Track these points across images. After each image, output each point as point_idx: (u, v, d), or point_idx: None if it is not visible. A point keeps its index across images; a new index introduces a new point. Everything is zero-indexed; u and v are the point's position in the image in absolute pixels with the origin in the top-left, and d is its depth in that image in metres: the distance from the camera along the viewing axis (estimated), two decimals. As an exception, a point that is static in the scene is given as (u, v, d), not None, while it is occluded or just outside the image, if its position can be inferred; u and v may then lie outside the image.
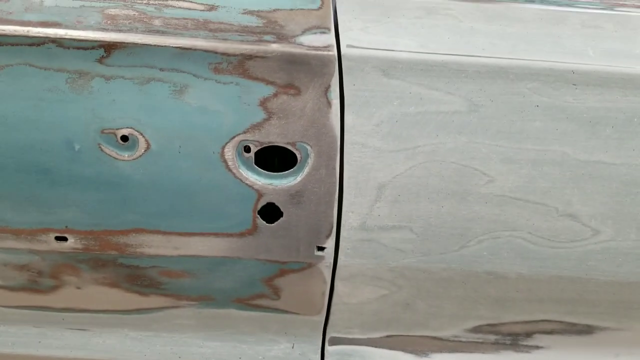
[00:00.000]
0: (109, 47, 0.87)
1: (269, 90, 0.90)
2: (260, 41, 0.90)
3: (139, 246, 0.95)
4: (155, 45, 0.88)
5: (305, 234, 0.94)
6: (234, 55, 0.88)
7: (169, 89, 0.89)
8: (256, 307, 1.02)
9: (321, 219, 0.94)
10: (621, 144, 0.93)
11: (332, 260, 0.96)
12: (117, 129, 0.90)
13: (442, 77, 0.91)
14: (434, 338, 1.06)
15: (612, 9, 1.04)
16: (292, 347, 1.06)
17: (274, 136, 0.91)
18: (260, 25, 0.92)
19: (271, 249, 0.95)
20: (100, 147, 0.90)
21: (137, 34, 0.88)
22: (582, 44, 0.95)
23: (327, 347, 1.06)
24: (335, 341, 1.06)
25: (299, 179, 0.93)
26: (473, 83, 0.91)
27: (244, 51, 0.88)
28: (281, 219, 0.94)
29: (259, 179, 0.93)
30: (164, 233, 0.94)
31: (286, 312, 1.03)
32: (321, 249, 0.95)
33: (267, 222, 0.94)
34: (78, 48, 0.87)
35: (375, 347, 1.07)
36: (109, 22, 0.89)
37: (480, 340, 1.06)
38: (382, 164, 0.92)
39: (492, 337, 1.06)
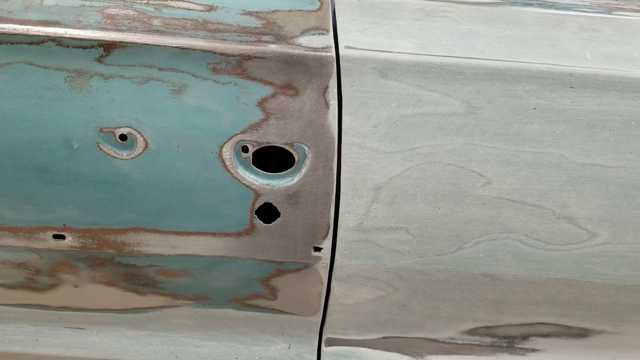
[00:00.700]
0: (108, 46, 0.88)
1: (267, 90, 0.90)
2: (259, 42, 0.90)
3: (136, 245, 0.95)
4: (154, 44, 0.88)
5: (302, 234, 0.95)
6: (233, 55, 0.89)
7: (167, 89, 0.89)
8: (253, 307, 1.02)
9: (318, 220, 0.94)
10: (618, 147, 0.93)
11: (328, 261, 0.96)
12: (116, 128, 0.90)
13: (439, 79, 0.91)
14: (430, 340, 1.06)
15: (610, 13, 1.04)
16: (289, 348, 1.06)
17: (272, 136, 0.91)
18: (259, 26, 0.92)
19: (268, 249, 0.95)
20: (98, 145, 0.90)
21: (136, 34, 0.88)
22: (580, 47, 0.95)
23: (324, 348, 1.06)
24: (332, 342, 1.06)
25: (296, 179, 0.93)
26: (471, 85, 0.92)
27: (243, 51, 0.89)
28: (278, 219, 0.94)
29: (256, 179, 0.93)
30: (162, 232, 0.94)
31: (283, 312, 1.03)
32: (318, 249, 0.96)
33: (265, 222, 0.94)
34: (77, 47, 0.88)
35: (372, 348, 1.07)
36: (108, 21, 0.90)
37: (477, 343, 1.06)
38: (380, 165, 0.93)
39: (488, 340, 1.06)
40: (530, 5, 1.02)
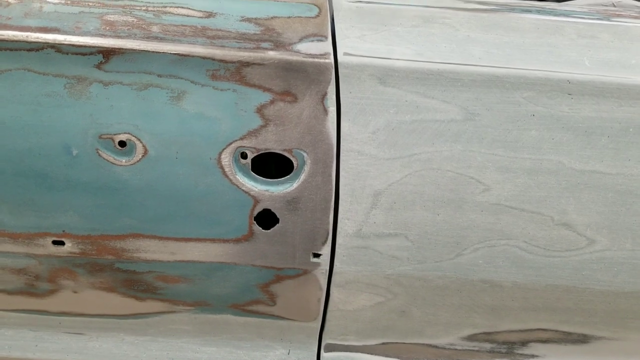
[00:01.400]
0: (107, 53, 0.88)
1: (266, 97, 0.90)
2: (258, 48, 0.90)
3: (135, 251, 0.95)
4: (153, 51, 0.88)
5: (301, 240, 0.95)
6: (232, 62, 0.89)
7: (166, 95, 0.90)
8: (252, 312, 1.02)
9: (317, 226, 0.94)
10: (617, 153, 0.93)
11: (327, 267, 0.97)
12: (115, 134, 0.90)
13: (438, 86, 0.92)
14: (430, 346, 1.06)
15: (608, 20, 1.04)
16: (288, 353, 1.06)
17: (271, 143, 0.92)
18: (258, 32, 0.93)
19: (267, 255, 0.95)
20: (98, 152, 0.90)
21: (135, 40, 0.88)
22: (578, 54, 0.96)
23: (323, 354, 1.06)
24: (331, 348, 1.06)
25: (295, 185, 0.93)
26: (469, 92, 0.92)
27: (242, 58, 0.89)
28: (277, 225, 0.94)
29: (255, 185, 0.93)
30: (161, 238, 0.94)
31: (282, 318, 1.03)
32: (317, 255, 0.96)
33: (263, 228, 0.94)
34: (77, 54, 0.88)
35: (371, 354, 1.07)
36: (107, 28, 0.90)
37: (476, 349, 1.06)
38: (378, 172, 0.93)
39: (487, 346, 1.06)
40: (529, 11, 1.02)
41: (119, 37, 0.89)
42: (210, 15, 0.94)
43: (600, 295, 0.99)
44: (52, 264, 0.97)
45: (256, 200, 0.93)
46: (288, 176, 0.93)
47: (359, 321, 1.03)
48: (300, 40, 0.92)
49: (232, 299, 1.01)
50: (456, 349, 1.06)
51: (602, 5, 1.13)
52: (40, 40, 0.87)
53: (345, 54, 0.92)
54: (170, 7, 0.94)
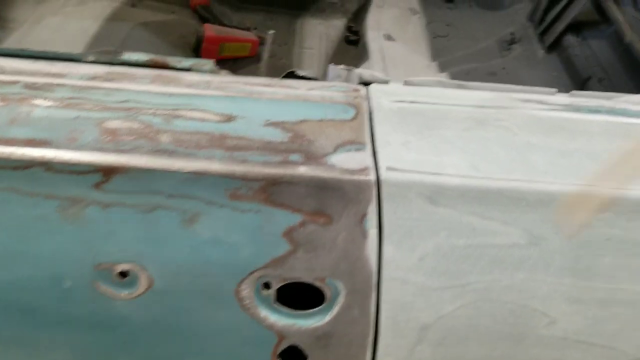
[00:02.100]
0: (107, 172, 0.74)
1: (294, 218, 0.76)
2: (286, 162, 0.76)
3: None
4: (162, 169, 0.74)
5: (333, 381, 0.81)
6: (256, 180, 0.75)
7: (177, 218, 0.76)
8: None
9: (353, 366, 0.80)
10: None
11: (364, 412, 0.82)
12: (115, 264, 0.76)
13: (498, 205, 0.78)
14: None
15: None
16: None
17: (300, 271, 0.78)
18: (286, 140, 0.79)
19: (294, 398, 0.81)
20: (94, 284, 0.76)
21: (141, 156, 0.75)
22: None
23: None
24: None
25: (327, 318, 0.79)
26: (534, 212, 0.78)
27: (267, 176, 0.75)
28: (305, 364, 0.80)
29: (279, 319, 0.79)
30: (168, 378, 0.80)
31: None
32: (352, 398, 0.81)
33: (289, 369, 0.80)
34: (71, 172, 0.74)
35: None
36: (108, 138, 0.76)
37: None
38: (426, 303, 0.79)
39: None
40: (597, 112, 0.88)
41: (121, 151, 0.75)
42: (229, 118, 0.80)
43: None
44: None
45: (281, 336, 0.79)
46: (319, 307, 0.79)
47: None
48: (336, 149, 0.79)
49: None
50: None
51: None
52: (27, 157, 0.73)
53: (389, 168, 0.78)
54: (183, 109, 0.80)
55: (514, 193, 0.78)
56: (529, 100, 0.88)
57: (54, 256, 0.75)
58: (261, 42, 1.88)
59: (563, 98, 0.91)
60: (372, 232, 0.78)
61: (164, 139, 0.77)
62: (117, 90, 0.81)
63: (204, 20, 1.93)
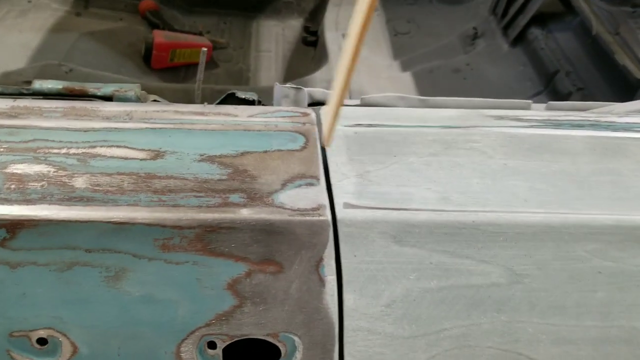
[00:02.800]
0: (13, 227, 0.62)
1: (239, 268, 0.66)
2: (226, 205, 0.65)
3: None
4: (77, 220, 0.63)
5: None
6: (190, 227, 0.64)
7: (99, 275, 0.64)
8: None
9: None
10: None
11: None
12: (31, 331, 0.65)
13: (473, 242, 0.68)
14: None
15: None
16: None
17: (249, 327, 0.67)
18: (224, 177, 0.68)
19: None
20: (9, 354, 0.65)
21: (51, 206, 0.63)
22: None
23: None
24: None
25: (284, 377, 0.69)
26: (515, 247, 0.68)
27: (204, 222, 0.64)
28: None
29: (230, 381, 0.68)
30: None
31: None
32: None
33: None
34: (-32, 230, 0.62)
35: None
36: (13, 186, 0.64)
37: None
38: (396, 354, 0.69)
39: None
40: (580, 127, 0.78)
41: (28, 201, 0.63)
42: (157, 155, 0.68)
43: None
44: None
45: (232, 400, 0.69)
46: (274, 365, 0.69)
47: None
48: (283, 186, 0.68)
49: None
50: None
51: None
52: None
53: (347, 205, 0.67)
54: (101, 146, 0.68)
55: (490, 227, 0.68)
56: (503, 117, 0.78)
57: (-43, 327, 0.64)
58: (215, 46, 1.76)
59: (540, 112, 0.80)
60: (331, 279, 0.67)
61: (79, 183, 0.65)
62: (23, 128, 0.69)
63: (153, 26, 1.80)
